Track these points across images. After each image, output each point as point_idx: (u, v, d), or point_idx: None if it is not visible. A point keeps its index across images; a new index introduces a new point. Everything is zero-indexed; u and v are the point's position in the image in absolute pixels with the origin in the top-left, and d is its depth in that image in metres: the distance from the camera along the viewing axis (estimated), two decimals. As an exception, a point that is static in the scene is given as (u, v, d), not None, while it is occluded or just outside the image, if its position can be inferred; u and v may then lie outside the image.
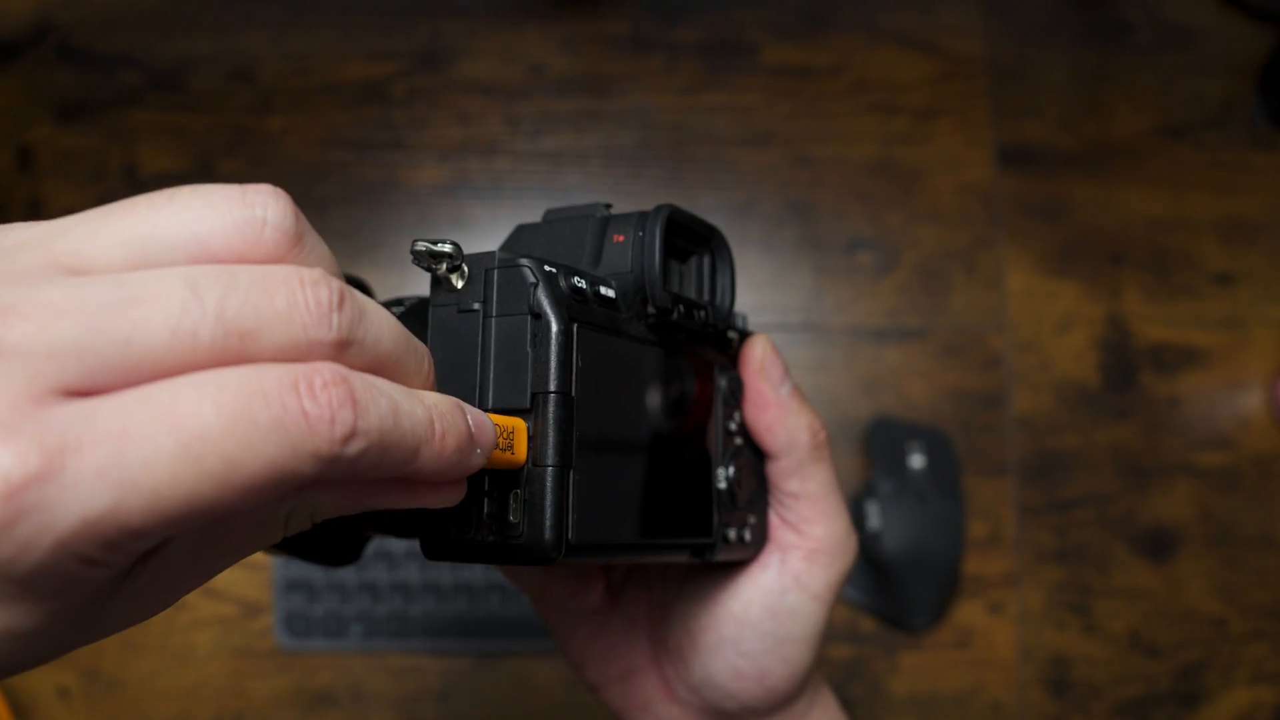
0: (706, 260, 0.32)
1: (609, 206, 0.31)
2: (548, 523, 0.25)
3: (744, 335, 0.35)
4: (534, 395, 0.25)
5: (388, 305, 0.30)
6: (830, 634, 0.68)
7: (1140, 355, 0.72)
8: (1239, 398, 0.71)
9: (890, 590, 0.66)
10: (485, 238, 0.72)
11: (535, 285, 0.26)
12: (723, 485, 0.33)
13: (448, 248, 0.25)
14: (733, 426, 0.34)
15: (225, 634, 0.67)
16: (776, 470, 0.35)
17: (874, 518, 0.66)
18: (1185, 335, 0.72)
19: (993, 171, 0.73)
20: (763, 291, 0.71)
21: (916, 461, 0.67)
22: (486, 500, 0.26)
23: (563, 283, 0.26)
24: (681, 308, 0.30)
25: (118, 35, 0.74)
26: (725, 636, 0.35)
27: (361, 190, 0.72)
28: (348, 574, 0.67)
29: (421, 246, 0.25)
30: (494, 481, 0.26)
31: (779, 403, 0.34)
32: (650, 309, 0.29)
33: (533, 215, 0.77)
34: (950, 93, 0.74)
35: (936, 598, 0.67)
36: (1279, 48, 0.73)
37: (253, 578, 0.68)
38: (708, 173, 0.73)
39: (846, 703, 0.68)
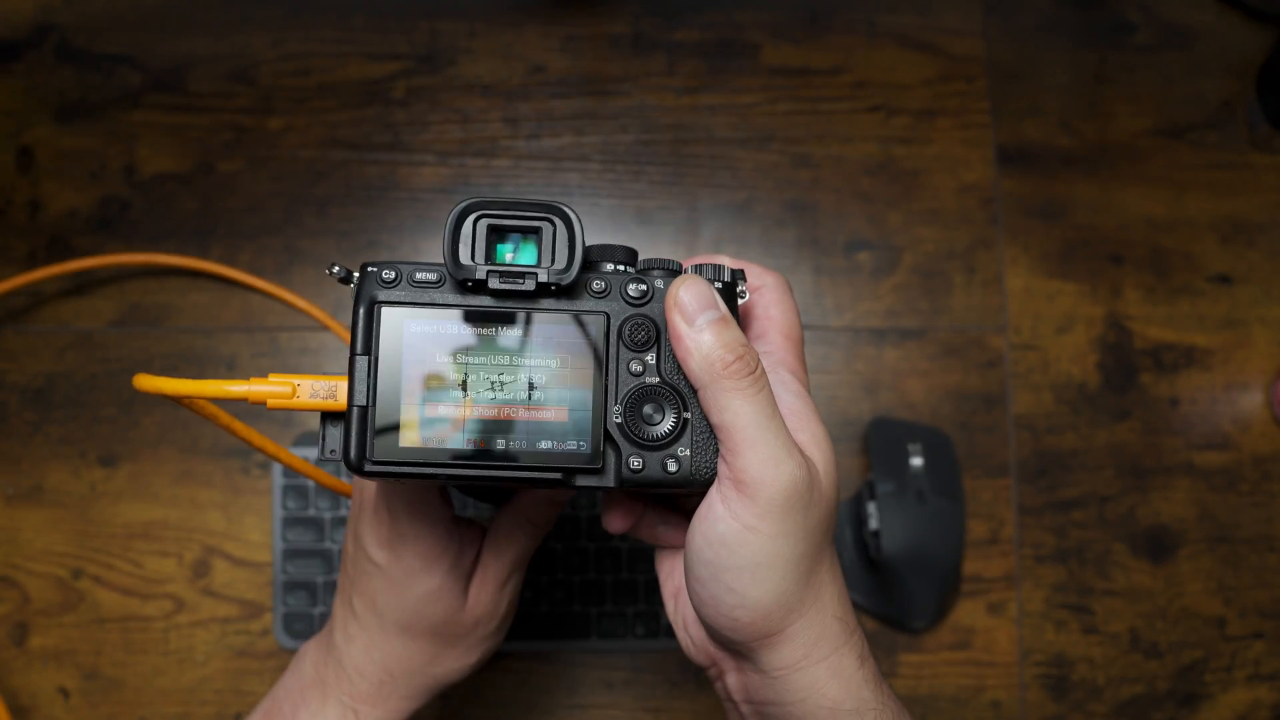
0: (556, 231, 0.37)
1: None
2: (353, 447, 0.36)
3: (728, 287, 0.39)
4: (349, 357, 0.36)
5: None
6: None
7: (1140, 355, 0.72)
8: (1239, 398, 0.71)
9: (890, 590, 0.67)
10: (485, 238, 0.72)
11: (356, 283, 0.37)
12: (618, 420, 0.37)
13: (336, 270, 0.37)
14: (637, 367, 0.37)
15: (225, 634, 0.67)
16: (702, 403, 0.37)
17: (874, 518, 0.66)
18: (1185, 335, 0.72)
19: (993, 171, 0.73)
20: (763, 291, 0.72)
21: (916, 461, 0.67)
22: (322, 431, 0.37)
23: (378, 276, 0.36)
24: (497, 277, 0.36)
25: (118, 35, 0.74)
26: (689, 566, 0.38)
27: (361, 190, 0.72)
28: (348, 574, 0.67)
29: (328, 271, 0.38)
30: (327, 420, 0.37)
31: (687, 335, 0.36)
32: (467, 282, 0.36)
33: (533, 215, 0.76)
34: (950, 93, 0.74)
35: (936, 598, 0.67)
36: (1278, 48, 0.73)
37: (253, 578, 0.68)
38: (708, 173, 0.73)
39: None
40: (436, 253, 0.71)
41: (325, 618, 0.66)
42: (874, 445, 0.68)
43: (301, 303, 0.70)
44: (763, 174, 0.73)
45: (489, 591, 0.47)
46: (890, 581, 0.66)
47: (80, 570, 0.68)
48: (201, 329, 0.70)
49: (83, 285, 0.71)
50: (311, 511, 0.67)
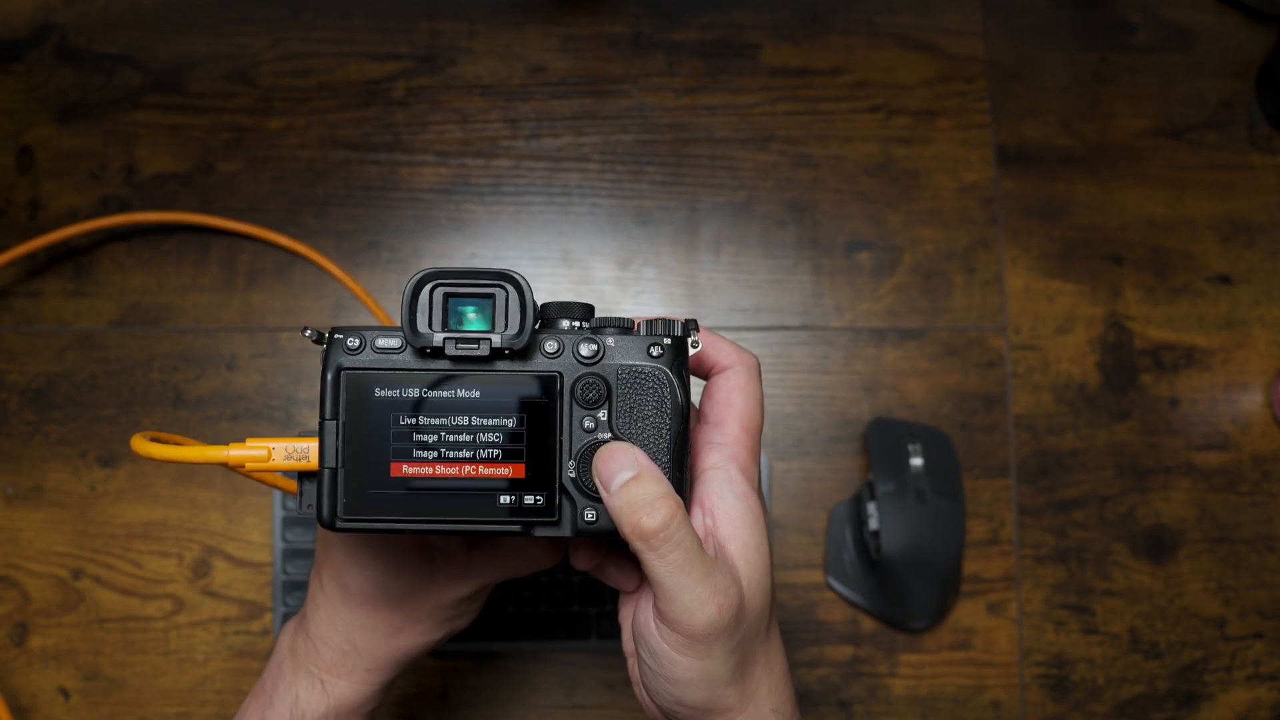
0: (509, 297, 0.38)
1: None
2: (323, 505, 0.38)
3: (678, 341, 0.40)
4: (319, 421, 0.38)
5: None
6: (830, 634, 0.68)
7: (1140, 355, 0.72)
8: (1239, 398, 0.71)
9: (890, 590, 0.67)
10: (485, 238, 0.72)
11: (324, 349, 0.38)
12: (571, 475, 0.39)
13: (309, 334, 0.38)
14: (589, 424, 0.39)
15: (225, 634, 0.67)
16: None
17: (874, 518, 0.66)
18: (1185, 335, 0.72)
19: (993, 171, 0.73)
20: (762, 292, 0.72)
21: (916, 461, 0.67)
22: (300, 487, 0.39)
23: (344, 344, 0.38)
24: (454, 343, 0.37)
25: (118, 35, 0.74)
26: (637, 648, 0.42)
27: (361, 190, 0.72)
28: (348, 574, 0.67)
29: (302, 333, 0.38)
30: (303, 477, 0.39)
31: (609, 501, 0.38)
32: (426, 348, 0.37)
33: (532, 215, 0.77)
34: (950, 93, 0.74)
35: (936, 598, 0.67)
36: (1278, 48, 0.73)
37: (253, 578, 0.68)
38: (708, 173, 0.73)
39: (845, 704, 0.68)
40: (436, 258, 0.71)
41: (325, 618, 0.66)
42: (874, 445, 0.68)
43: (316, 256, 0.70)
44: (763, 174, 0.73)
45: (468, 589, 0.48)
46: (890, 581, 0.66)
47: (80, 570, 0.68)
48: (201, 329, 0.70)
49: (83, 285, 0.71)
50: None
